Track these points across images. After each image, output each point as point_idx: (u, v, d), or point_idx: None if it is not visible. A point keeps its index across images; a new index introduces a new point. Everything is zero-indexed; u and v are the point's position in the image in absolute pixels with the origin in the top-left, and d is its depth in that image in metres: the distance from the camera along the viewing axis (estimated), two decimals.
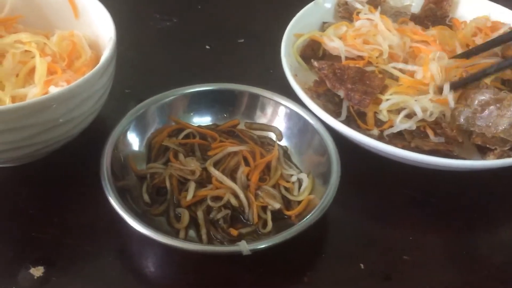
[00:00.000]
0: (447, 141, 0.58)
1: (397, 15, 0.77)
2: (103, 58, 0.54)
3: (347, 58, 0.69)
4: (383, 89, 0.60)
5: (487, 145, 0.56)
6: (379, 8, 0.76)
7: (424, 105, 0.59)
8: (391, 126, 0.59)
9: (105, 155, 0.53)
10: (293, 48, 0.71)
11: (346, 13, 0.78)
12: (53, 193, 0.57)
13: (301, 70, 0.70)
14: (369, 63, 0.67)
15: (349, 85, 0.60)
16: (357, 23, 0.73)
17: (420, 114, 0.58)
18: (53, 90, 0.52)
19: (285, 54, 0.67)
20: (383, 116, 0.60)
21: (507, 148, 0.55)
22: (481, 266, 0.54)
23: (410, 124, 0.58)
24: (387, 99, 0.60)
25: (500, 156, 0.55)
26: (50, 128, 0.52)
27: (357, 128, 0.60)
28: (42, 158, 0.57)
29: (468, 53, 0.66)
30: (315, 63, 0.65)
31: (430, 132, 0.59)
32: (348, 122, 0.61)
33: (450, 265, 0.54)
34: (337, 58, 0.69)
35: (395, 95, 0.60)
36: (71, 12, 0.63)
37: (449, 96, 0.59)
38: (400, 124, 0.59)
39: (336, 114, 0.62)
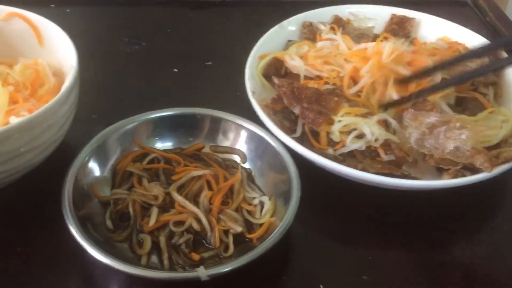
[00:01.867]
0: (397, 161, 0.59)
1: (360, 37, 0.79)
2: (64, 87, 0.55)
3: (306, 77, 0.70)
4: (336, 109, 0.62)
5: (441, 166, 0.57)
6: (341, 28, 0.78)
7: (372, 129, 0.60)
8: (343, 146, 0.61)
9: (66, 185, 0.53)
10: (257, 69, 0.73)
11: (311, 35, 0.80)
12: (16, 222, 0.57)
13: (264, 89, 0.72)
14: (327, 83, 0.68)
15: (305, 104, 0.62)
16: (319, 44, 0.74)
17: (369, 136, 0.60)
18: (14, 120, 0.53)
19: (248, 77, 0.69)
20: (335, 136, 0.61)
21: (459, 167, 0.57)
22: (440, 285, 0.55)
23: (360, 144, 0.60)
24: (339, 120, 0.62)
25: (455, 176, 0.57)
26: (11, 158, 0.52)
27: (311, 146, 0.62)
28: (4, 187, 0.58)
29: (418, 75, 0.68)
30: (276, 80, 0.66)
31: (381, 152, 0.60)
32: (303, 140, 0.62)
33: (409, 284, 0.55)
34: (298, 76, 0.71)
35: (346, 117, 0.62)
36: (36, 40, 0.64)
37: (388, 117, 0.62)
38: (351, 144, 0.61)
39: (291, 131, 0.64)
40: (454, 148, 0.56)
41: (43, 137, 0.54)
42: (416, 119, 0.59)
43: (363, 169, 0.57)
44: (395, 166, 0.58)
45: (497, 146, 0.61)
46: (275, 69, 0.74)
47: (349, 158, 0.61)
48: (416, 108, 0.62)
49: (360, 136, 0.61)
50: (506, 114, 0.64)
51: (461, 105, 0.66)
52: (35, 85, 0.60)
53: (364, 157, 0.60)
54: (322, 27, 0.80)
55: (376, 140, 0.60)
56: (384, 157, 0.60)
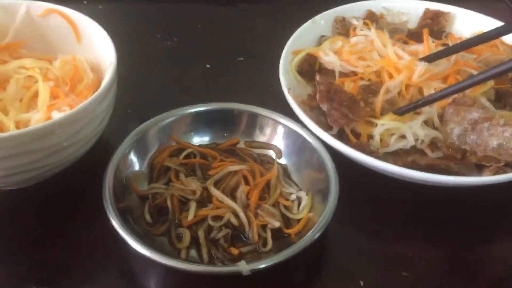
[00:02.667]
0: (445, 157, 0.58)
1: (394, 32, 0.78)
2: (104, 83, 0.55)
3: (341, 73, 0.70)
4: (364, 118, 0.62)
5: (482, 163, 0.57)
6: (374, 24, 0.77)
7: (415, 132, 0.60)
8: (386, 146, 0.60)
9: (107, 178, 0.54)
10: (291, 65, 0.72)
11: (343, 29, 0.79)
12: (56, 215, 0.58)
13: (298, 85, 0.72)
14: (362, 79, 0.68)
15: (335, 105, 0.62)
16: (353, 39, 0.74)
17: (411, 140, 0.59)
18: (56, 115, 0.54)
19: (283, 72, 0.68)
20: (375, 142, 0.61)
21: (501, 164, 0.56)
22: (481, 280, 0.54)
23: (404, 143, 0.59)
24: (382, 124, 0.61)
25: (495, 173, 0.56)
26: (53, 152, 0.53)
27: (349, 142, 0.61)
28: (46, 180, 0.58)
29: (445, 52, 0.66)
30: (317, 77, 0.66)
31: (427, 150, 0.59)
32: (340, 138, 0.62)
33: (450, 280, 0.54)
34: (332, 72, 0.71)
35: (389, 121, 0.61)
36: (74, 37, 0.65)
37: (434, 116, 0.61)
38: (395, 143, 0.60)
39: (328, 127, 0.63)
40: (497, 145, 0.56)
41: (83, 132, 0.55)
42: (459, 114, 0.58)
43: (413, 162, 0.56)
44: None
45: None
46: (309, 65, 0.73)
47: (389, 155, 0.60)
48: (457, 104, 0.61)
49: (403, 136, 0.61)
50: None
51: (500, 101, 0.65)
52: (74, 80, 0.61)
53: (408, 155, 0.59)
54: (355, 22, 0.79)
55: (422, 141, 0.60)
56: (432, 154, 0.59)
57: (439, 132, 0.61)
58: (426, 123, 0.62)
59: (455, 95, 0.61)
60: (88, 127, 0.55)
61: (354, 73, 0.69)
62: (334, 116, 0.61)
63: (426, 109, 0.63)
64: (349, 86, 0.68)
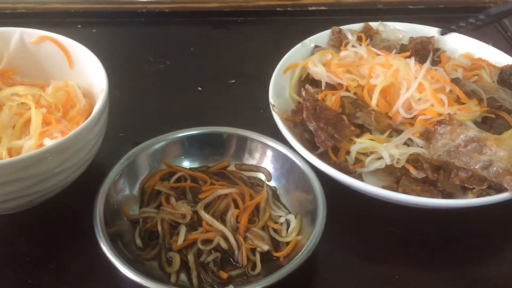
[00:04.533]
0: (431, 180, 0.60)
1: (386, 48, 0.78)
2: (95, 109, 0.56)
3: (327, 84, 0.71)
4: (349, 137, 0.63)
5: (465, 185, 0.58)
6: (368, 40, 0.79)
7: (391, 152, 0.61)
8: (363, 166, 0.62)
9: (98, 204, 0.55)
10: (290, 87, 0.74)
11: (337, 42, 0.81)
12: (49, 240, 0.59)
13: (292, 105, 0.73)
14: (347, 91, 0.69)
15: (322, 124, 0.63)
16: (342, 53, 0.75)
17: (387, 160, 0.61)
18: (48, 142, 0.55)
19: (272, 95, 0.70)
20: (351, 158, 0.63)
21: (485, 187, 0.57)
22: None
23: (379, 164, 0.61)
24: (360, 142, 0.63)
25: (479, 195, 0.57)
26: (46, 178, 0.54)
27: (329, 159, 0.63)
28: (39, 205, 0.59)
29: None
30: (303, 93, 0.67)
31: (410, 168, 0.61)
32: (322, 155, 0.63)
33: None
34: (319, 82, 0.72)
35: (366, 140, 0.63)
36: (66, 63, 0.66)
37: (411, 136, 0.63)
38: (370, 164, 0.62)
39: (311, 144, 0.65)
40: (487, 162, 0.57)
41: (76, 158, 0.56)
42: (453, 132, 0.60)
43: (404, 192, 0.58)
44: (431, 185, 0.59)
45: None
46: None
47: (374, 173, 0.61)
48: (445, 124, 0.62)
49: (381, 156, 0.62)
50: None
51: (486, 123, 0.66)
52: (66, 106, 0.62)
53: (390, 173, 0.60)
54: (350, 36, 0.81)
55: (398, 161, 0.61)
56: (416, 174, 0.60)
57: (421, 148, 0.62)
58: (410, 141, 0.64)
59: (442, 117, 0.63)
60: (80, 153, 0.56)
61: (341, 86, 0.71)
62: (321, 137, 0.62)
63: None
64: (331, 99, 0.69)
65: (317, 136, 0.63)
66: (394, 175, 0.63)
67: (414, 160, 0.61)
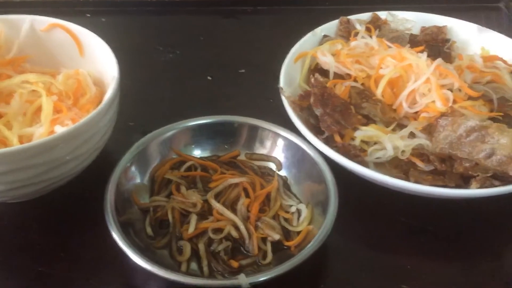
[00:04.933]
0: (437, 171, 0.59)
1: (394, 40, 0.78)
2: (106, 97, 0.56)
3: (335, 74, 0.71)
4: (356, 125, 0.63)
5: (470, 172, 0.57)
6: (377, 31, 0.78)
7: (395, 143, 0.61)
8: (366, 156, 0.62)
9: (109, 191, 0.54)
10: (300, 76, 0.74)
11: (346, 32, 0.80)
12: (60, 228, 0.59)
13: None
14: (355, 81, 0.69)
15: (328, 110, 0.62)
16: (352, 43, 0.75)
17: (390, 151, 0.60)
18: (59, 129, 0.55)
19: (283, 81, 0.69)
20: (356, 142, 0.62)
21: (489, 175, 0.56)
22: None
23: (383, 153, 0.61)
24: (365, 130, 0.63)
25: (482, 183, 0.56)
26: (56, 166, 0.54)
27: (334, 143, 0.62)
28: (49, 193, 0.59)
29: None
30: (312, 79, 0.67)
31: (417, 161, 0.60)
32: (329, 139, 0.63)
33: None
34: (328, 72, 0.71)
35: (371, 130, 0.63)
36: (77, 51, 0.66)
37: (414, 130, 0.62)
38: (373, 153, 0.61)
39: (316, 129, 0.64)
40: (490, 150, 0.56)
41: (86, 146, 0.55)
42: (455, 123, 0.59)
43: (416, 182, 0.57)
44: (440, 175, 0.58)
45: None
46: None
47: (380, 167, 0.61)
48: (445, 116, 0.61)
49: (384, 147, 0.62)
50: None
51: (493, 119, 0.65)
52: (77, 94, 0.61)
53: (396, 166, 0.60)
54: (358, 26, 0.80)
55: (403, 153, 0.60)
56: (423, 166, 0.60)
57: (426, 140, 0.62)
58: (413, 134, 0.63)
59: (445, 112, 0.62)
60: (91, 141, 0.56)
61: (349, 76, 0.70)
62: (327, 122, 0.62)
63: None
64: (341, 88, 0.68)
65: (323, 121, 0.62)
66: (400, 168, 0.62)
67: (419, 154, 0.60)
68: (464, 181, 0.59)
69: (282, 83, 0.69)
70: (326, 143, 0.61)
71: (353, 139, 0.63)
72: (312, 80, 0.66)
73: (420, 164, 0.60)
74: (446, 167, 0.59)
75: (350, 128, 0.63)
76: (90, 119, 0.53)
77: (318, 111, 0.63)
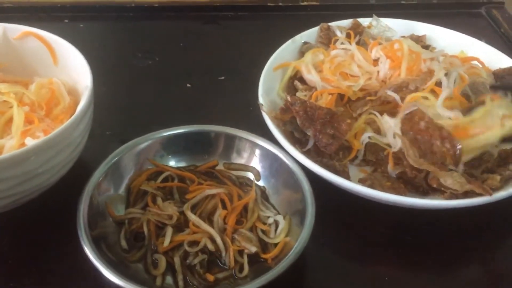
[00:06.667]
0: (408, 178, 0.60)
1: None
2: (79, 108, 0.55)
3: (323, 86, 0.70)
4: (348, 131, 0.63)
5: (442, 188, 0.57)
6: (357, 37, 0.78)
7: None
8: (356, 157, 0.62)
9: (82, 205, 0.53)
10: (280, 85, 0.73)
11: (326, 39, 0.79)
12: (32, 242, 0.57)
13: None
14: (341, 94, 0.69)
15: (318, 126, 0.62)
16: (332, 52, 0.74)
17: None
18: (30, 142, 0.53)
19: (262, 93, 0.69)
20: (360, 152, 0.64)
21: (459, 192, 0.56)
22: None
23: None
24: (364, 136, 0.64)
25: (449, 197, 0.56)
26: (28, 179, 0.53)
27: (321, 155, 0.62)
28: (22, 206, 0.58)
29: None
30: (289, 98, 0.66)
31: (391, 162, 0.60)
32: (313, 150, 0.63)
33: None
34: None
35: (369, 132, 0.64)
36: (51, 59, 0.65)
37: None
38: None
39: (301, 143, 0.64)
40: (450, 179, 0.56)
41: (59, 158, 0.54)
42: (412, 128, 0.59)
43: (370, 186, 0.57)
44: (405, 182, 0.58)
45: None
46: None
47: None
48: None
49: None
50: (509, 107, 0.61)
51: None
52: (50, 104, 0.60)
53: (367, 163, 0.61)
54: (338, 33, 0.80)
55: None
56: (391, 171, 0.60)
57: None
58: None
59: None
60: (64, 152, 0.55)
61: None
62: (323, 141, 0.61)
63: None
64: (327, 98, 0.68)
65: (319, 141, 0.62)
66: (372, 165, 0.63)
67: (396, 157, 0.60)
68: (424, 192, 0.59)
69: (260, 93, 0.68)
70: (308, 155, 0.61)
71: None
72: (289, 98, 0.65)
73: (390, 166, 0.60)
74: (418, 175, 0.58)
75: (345, 138, 0.63)
76: (62, 131, 0.52)
77: (309, 131, 0.63)
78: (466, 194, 0.56)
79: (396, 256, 0.58)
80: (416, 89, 0.65)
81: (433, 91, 0.64)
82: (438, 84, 0.65)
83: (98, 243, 0.51)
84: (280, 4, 0.98)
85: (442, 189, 0.57)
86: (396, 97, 0.65)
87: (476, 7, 1.02)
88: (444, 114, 0.61)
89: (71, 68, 0.63)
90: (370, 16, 0.84)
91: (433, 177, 0.57)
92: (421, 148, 0.59)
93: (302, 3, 0.98)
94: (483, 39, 0.86)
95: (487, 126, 0.59)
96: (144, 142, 0.62)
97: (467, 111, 0.62)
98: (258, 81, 0.71)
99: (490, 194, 0.54)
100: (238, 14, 0.97)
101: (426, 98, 0.63)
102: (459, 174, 0.56)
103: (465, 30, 0.86)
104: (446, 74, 0.65)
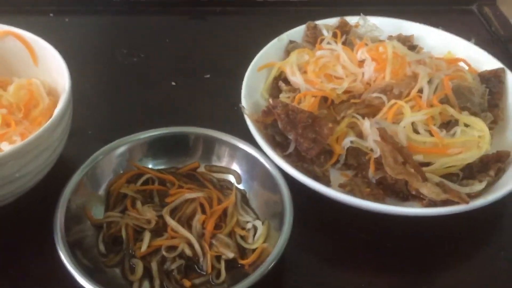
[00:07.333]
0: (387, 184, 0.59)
1: None
2: (56, 112, 0.54)
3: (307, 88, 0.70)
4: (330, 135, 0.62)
5: (421, 196, 0.57)
6: (344, 36, 0.77)
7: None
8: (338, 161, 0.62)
9: (58, 211, 0.53)
10: (264, 87, 0.73)
11: (312, 38, 0.79)
12: (9, 244, 0.57)
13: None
14: (325, 97, 0.68)
15: (300, 130, 0.61)
16: (318, 53, 0.74)
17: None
18: (5, 147, 0.53)
19: (245, 94, 0.68)
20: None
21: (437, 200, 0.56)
22: None
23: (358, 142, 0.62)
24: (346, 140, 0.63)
25: (427, 205, 0.56)
26: (5, 184, 0.52)
27: (302, 161, 0.62)
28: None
29: None
30: (271, 101, 0.65)
31: (371, 167, 0.60)
32: (295, 154, 0.63)
33: None
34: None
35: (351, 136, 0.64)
36: (31, 59, 0.64)
37: None
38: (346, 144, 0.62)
39: (282, 147, 0.63)
40: (425, 189, 0.56)
41: (37, 161, 0.54)
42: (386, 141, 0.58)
43: (351, 192, 0.57)
44: (385, 189, 0.58)
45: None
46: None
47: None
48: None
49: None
50: (482, 129, 0.62)
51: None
52: (29, 106, 0.60)
53: (348, 168, 0.61)
54: (325, 32, 0.79)
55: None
56: (371, 176, 0.60)
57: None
58: None
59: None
60: (41, 156, 0.54)
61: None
62: (303, 145, 0.61)
63: None
64: (310, 100, 0.68)
65: (301, 145, 0.61)
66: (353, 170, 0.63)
67: (379, 162, 0.60)
68: (404, 198, 0.59)
69: (243, 93, 0.68)
70: (288, 159, 0.61)
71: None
72: (270, 101, 0.64)
73: (371, 171, 0.60)
74: (396, 180, 0.58)
75: (326, 142, 0.62)
76: (38, 135, 0.52)
77: (290, 135, 0.62)
78: (445, 201, 0.56)
79: (375, 262, 0.58)
80: (400, 94, 0.64)
81: (416, 98, 0.64)
82: (422, 90, 0.64)
83: (74, 248, 0.51)
84: None
85: (421, 196, 0.57)
86: (384, 98, 0.64)
87: (468, 4, 1.01)
88: (420, 135, 0.61)
89: (51, 68, 0.63)
90: (360, 11, 0.83)
91: (411, 185, 0.57)
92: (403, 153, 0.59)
93: None
94: (473, 37, 0.85)
95: (465, 147, 0.60)
96: (125, 144, 0.62)
97: (446, 124, 0.62)
98: (242, 79, 0.70)
99: (467, 203, 0.54)
100: (226, 9, 0.96)
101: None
102: (433, 185, 0.56)
103: (456, 27, 0.86)
104: (429, 81, 0.64)
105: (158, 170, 0.63)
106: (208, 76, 0.82)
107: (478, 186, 0.58)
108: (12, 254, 0.56)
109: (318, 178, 0.60)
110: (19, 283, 0.54)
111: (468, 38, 0.83)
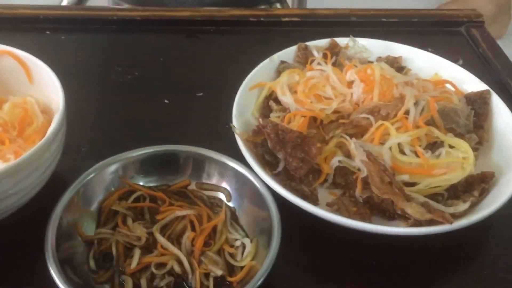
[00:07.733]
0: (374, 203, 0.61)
1: None
2: (49, 131, 0.56)
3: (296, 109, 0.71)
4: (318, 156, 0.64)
5: (406, 215, 0.58)
6: (334, 57, 0.79)
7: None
8: (326, 180, 0.63)
9: (50, 229, 0.54)
10: (255, 106, 0.74)
11: (303, 58, 0.80)
12: (0, 261, 0.58)
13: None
14: (314, 118, 0.70)
15: (289, 149, 0.63)
16: (308, 73, 0.75)
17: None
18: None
19: (236, 114, 0.70)
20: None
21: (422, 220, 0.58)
22: None
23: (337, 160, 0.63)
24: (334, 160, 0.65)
25: (412, 225, 0.58)
26: None
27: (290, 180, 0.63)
28: None
29: None
30: (260, 120, 0.67)
31: (359, 186, 0.61)
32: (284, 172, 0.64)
33: None
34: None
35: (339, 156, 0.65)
36: (26, 77, 0.65)
37: None
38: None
39: (271, 166, 0.65)
40: (410, 209, 0.57)
41: (30, 179, 0.55)
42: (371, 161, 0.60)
43: (337, 211, 0.58)
44: (372, 208, 0.59)
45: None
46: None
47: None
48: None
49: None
50: (466, 150, 0.63)
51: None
52: (23, 124, 0.61)
53: (336, 186, 0.62)
54: (315, 53, 0.81)
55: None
56: (358, 195, 0.61)
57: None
58: None
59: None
60: (34, 174, 0.56)
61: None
62: (292, 165, 0.62)
63: None
64: (299, 120, 0.69)
65: (289, 164, 0.63)
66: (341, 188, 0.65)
67: (366, 182, 0.61)
68: (391, 217, 0.60)
69: (234, 112, 0.69)
70: (277, 178, 0.62)
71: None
72: (261, 121, 0.66)
73: (358, 190, 0.61)
74: (383, 199, 0.59)
75: (315, 161, 0.64)
76: (33, 153, 0.53)
77: (280, 154, 0.64)
78: (430, 221, 0.57)
79: (361, 280, 0.59)
80: (388, 115, 0.66)
81: (402, 119, 0.65)
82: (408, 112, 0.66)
83: (65, 265, 0.52)
84: (262, 19, 0.99)
85: (407, 215, 0.58)
86: (372, 119, 0.66)
87: (456, 26, 1.04)
88: (406, 156, 0.63)
89: (45, 87, 0.64)
90: (351, 33, 0.85)
91: (397, 204, 0.58)
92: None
93: (283, 19, 0.99)
94: (461, 59, 0.87)
95: (450, 168, 0.61)
96: (117, 161, 0.63)
97: (432, 144, 0.63)
98: (234, 98, 0.72)
99: (451, 223, 0.56)
100: (219, 28, 0.98)
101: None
102: (418, 205, 0.57)
103: (445, 49, 0.88)
104: (415, 103, 0.66)
105: (150, 187, 0.64)
106: (200, 94, 0.83)
107: (462, 206, 0.59)
108: (4, 271, 0.57)
109: (306, 197, 0.61)
110: None
111: (455, 59, 0.85)
